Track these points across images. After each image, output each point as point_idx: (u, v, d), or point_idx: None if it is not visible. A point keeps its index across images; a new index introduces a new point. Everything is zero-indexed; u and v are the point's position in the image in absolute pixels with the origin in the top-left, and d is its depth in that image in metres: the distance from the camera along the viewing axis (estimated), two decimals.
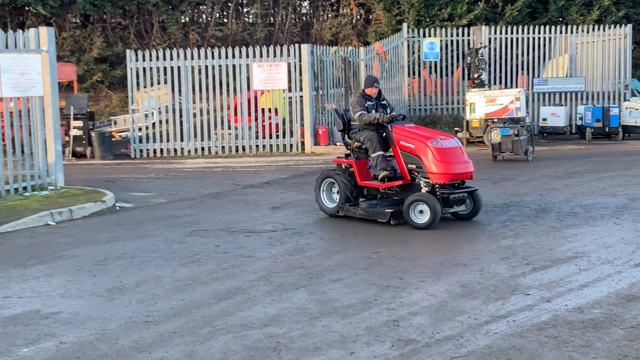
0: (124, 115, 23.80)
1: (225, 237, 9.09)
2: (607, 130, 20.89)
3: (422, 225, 9.27)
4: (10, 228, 9.83)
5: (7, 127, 12.70)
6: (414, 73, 24.83)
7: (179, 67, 19.48)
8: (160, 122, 20.14)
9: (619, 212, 10.14)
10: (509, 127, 16.49)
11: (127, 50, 19.89)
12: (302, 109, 19.60)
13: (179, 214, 10.83)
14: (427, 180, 9.52)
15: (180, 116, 19.76)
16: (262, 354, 5.10)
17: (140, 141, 19.71)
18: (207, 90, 19.58)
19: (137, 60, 19.40)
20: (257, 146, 19.66)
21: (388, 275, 7.07)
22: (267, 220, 10.27)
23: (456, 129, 21.07)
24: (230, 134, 19.79)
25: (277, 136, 19.85)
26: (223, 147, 19.69)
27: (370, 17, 32.60)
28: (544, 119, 21.55)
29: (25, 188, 12.40)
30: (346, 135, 10.56)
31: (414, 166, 9.64)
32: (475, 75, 20.52)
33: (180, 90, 19.78)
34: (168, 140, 19.64)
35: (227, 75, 19.67)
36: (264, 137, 19.76)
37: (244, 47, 19.74)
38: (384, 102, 10.57)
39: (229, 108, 20.31)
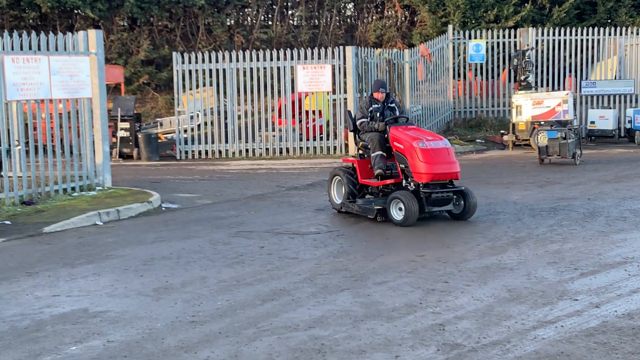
0: (170, 117, 24.02)
1: (270, 238, 9.11)
2: None
3: (398, 222, 9.74)
4: (59, 228, 9.99)
5: (57, 128, 12.93)
6: (459, 75, 24.64)
7: (224, 70, 19.61)
8: (205, 124, 20.29)
9: None
10: (557, 130, 16.28)
11: (173, 53, 20.07)
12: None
13: (224, 215, 10.89)
14: (412, 179, 9.94)
15: (225, 118, 19.87)
16: (306, 356, 5.10)
17: (186, 143, 19.88)
18: (252, 92, 19.67)
19: (182, 62, 19.58)
20: (300, 148, 19.70)
21: (433, 279, 7.02)
22: (311, 222, 10.28)
23: (502, 131, 20.88)
24: (274, 135, 19.85)
25: (321, 138, 19.85)
26: (267, 149, 19.77)
27: (415, 19, 32.45)
28: (592, 122, 21.21)
29: (73, 188, 12.60)
30: (357, 136, 11.11)
31: (403, 166, 10.13)
32: (522, 78, 20.29)
33: (225, 93, 19.90)
34: (213, 142, 19.77)
35: (272, 78, 19.73)
36: (307, 139, 19.78)
37: (288, 49, 19.79)
38: (392, 104, 11.03)
39: (273, 110, 20.39)
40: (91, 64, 12.80)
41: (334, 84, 19.57)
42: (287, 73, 19.44)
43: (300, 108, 19.86)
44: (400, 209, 9.74)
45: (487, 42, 23.73)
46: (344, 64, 19.33)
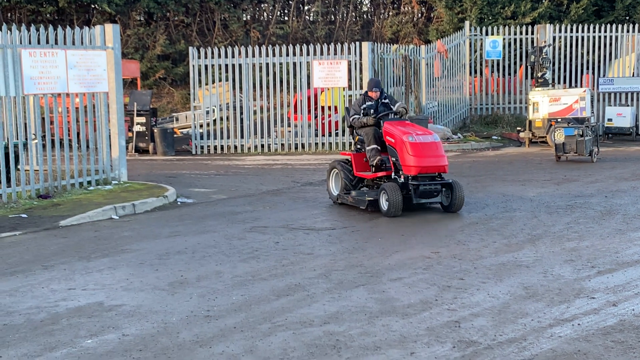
0: (186, 112, 24.09)
1: (285, 234, 9.11)
2: None
3: (385, 212, 10.10)
4: (75, 221, 10.02)
5: (73, 122, 12.98)
6: (475, 72, 24.54)
7: (240, 65, 19.61)
8: (221, 119, 20.32)
9: None
10: (574, 127, 16.17)
11: (190, 48, 20.10)
12: None
13: (239, 210, 10.90)
14: (402, 172, 10.27)
15: (241, 113, 19.88)
16: (321, 352, 5.08)
17: (201, 138, 19.91)
18: (268, 87, 19.67)
19: (199, 57, 19.60)
20: (316, 144, 19.68)
21: (448, 276, 6.99)
22: (326, 217, 10.27)
23: (518, 128, 20.76)
24: (289, 131, 19.85)
25: (337, 134, 19.82)
26: (282, 145, 19.76)
27: (432, 15, 32.34)
28: (609, 120, 21.05)
29: (89, 182, 12.65)
30: (354, 131, 11.46)
31: (395, 159, 10.46)
32: (539, 74, 20.18)
33: (241, 88, 19.92)
34: (228, 137, 19.78)
35: (288, 73, 19.73)
36: (323, 135, 19.76)
37: (304, 44, 19.77)
38: (386, 100, 11.41)
39: (289, 106, 20.38)
40: (108, 58, 12.83)
41: (350, 79, 19.52)
42: (303, 68, 19.42)
43: (316, 104, 19.84)
44: (387, 200, 10.06)
45: (504, 39, 23.60)
46: (360, 59, 19.28)
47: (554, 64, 22.43)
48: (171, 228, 9.64)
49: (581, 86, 22.02)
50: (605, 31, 22.99)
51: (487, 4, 27.42)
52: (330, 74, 19.21)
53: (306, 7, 33.39)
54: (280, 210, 10.83)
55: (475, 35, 24.02)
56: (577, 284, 6.66)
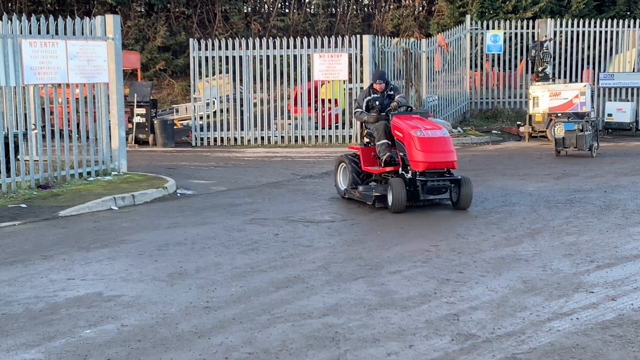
0: (186, 104, 24.07)
1: (284, 226, 9.11)
2: None
3: (389, 208, 9.94)
4: (74, 212, 10.02)
5: (73, 112, 12.97)
6: (476, 66, 24.51)
7: (240, 57, 19.58)
8: (221, 111, 20.29)
9: None
10: (574, 122, 16.15)
11: (190, 40, 20.06)
12: None
13: (239, 202, 10.90)
14: (410, 167, 10.09)
15: (241, 105, 19.87)
16: (320, 344, 5.09)
17: (201, 129, 19.90)
18: (268, 80, 19.65)
19: (199, 49, 19.57)
20: (316, 137, 19.67)
21: (448, 269, 6.99)
22: (326, 210, 10.27)
23: (518, 123, 20.76)
24: (290, 124, 19.83)
25: (337, 127, 19.81)
26: (282, 137, 19.75)
27: (433, 8, 32.30)
28: (610, 115, 21.03)
29: (89, 173, 12.64)
30: (363, 125, 11.31)
31: (402, 154, 10.26)
32: (540, 69, 20.14)
33: (241, 80, 19.89)
34: (228, 129, 19.77)
35: (288, 66, 19.70)
36: (323, 128, 19.75)
37: (305, 37, 19.74)
38: (392, 92, 11.14)
39: (289, 98, 20.36)
40: (108, 49, 12.81)
41: (350, 72, 19.50)
42: (303, 61, 19.40)
43: (316, 96, 19.82)
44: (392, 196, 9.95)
45: (504, 33, 23.58)
46: (361, 52, 19.25)
47: (554, 59, 22.39)
48: (170, 219, 9.64)
49: (581, 81, 22.01)
50: (606, 26, 22.95)
51: None
52: (331, 66, 19.18)
53: (307, 0, 33.33)
54: (280, 203, 10.83)
55: (476, 29, 23.98)
56: (576, 278, 6.66)
